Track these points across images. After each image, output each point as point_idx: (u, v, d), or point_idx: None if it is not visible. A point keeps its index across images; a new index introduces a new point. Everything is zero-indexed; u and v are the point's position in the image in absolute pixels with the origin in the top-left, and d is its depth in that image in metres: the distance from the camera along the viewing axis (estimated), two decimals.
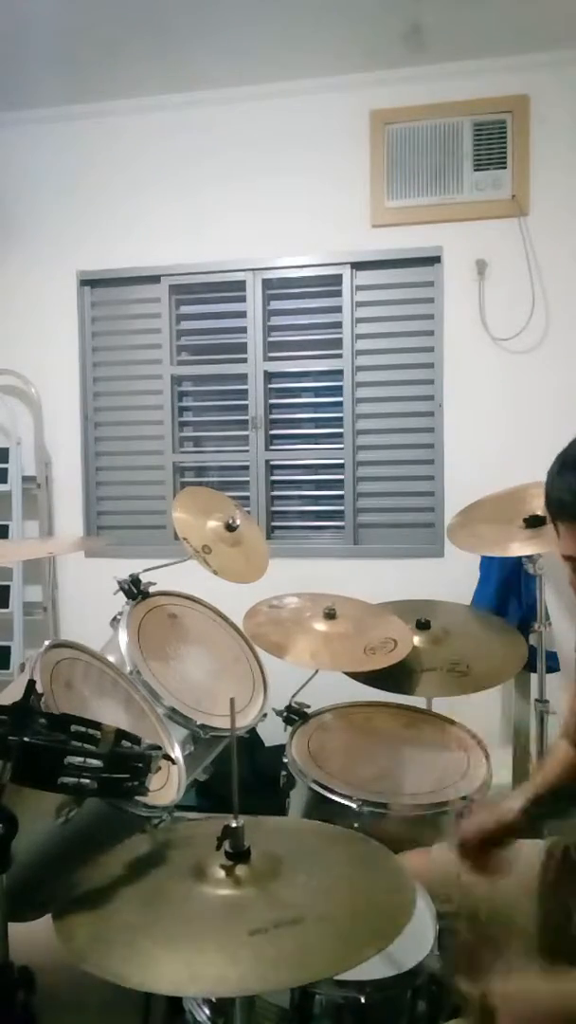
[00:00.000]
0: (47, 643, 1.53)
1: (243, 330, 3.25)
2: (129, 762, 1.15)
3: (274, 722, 2.01)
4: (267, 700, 2.00)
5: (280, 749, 1.94)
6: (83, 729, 1.13)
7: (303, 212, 3.13)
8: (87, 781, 1.07)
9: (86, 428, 3.40)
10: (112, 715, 1.53)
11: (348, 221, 3.09)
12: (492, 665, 2.18)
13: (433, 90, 2.98)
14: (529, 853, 1.38)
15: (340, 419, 3.18)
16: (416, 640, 2.17)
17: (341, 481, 3.20)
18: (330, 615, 2.12)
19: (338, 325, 3.16)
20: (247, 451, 3.27)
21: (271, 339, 3.25)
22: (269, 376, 3.25)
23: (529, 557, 2.35)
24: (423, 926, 1.29)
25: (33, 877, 1.18)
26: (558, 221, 2.94)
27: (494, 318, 2.99)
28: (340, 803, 1.69)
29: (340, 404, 3.17)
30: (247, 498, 3.24)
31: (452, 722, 2.06)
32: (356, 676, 2.08)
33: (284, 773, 1.87)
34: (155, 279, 3.29)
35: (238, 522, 2.20)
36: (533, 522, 2.21)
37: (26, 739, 1.04)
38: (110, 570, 2.02)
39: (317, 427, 3.27)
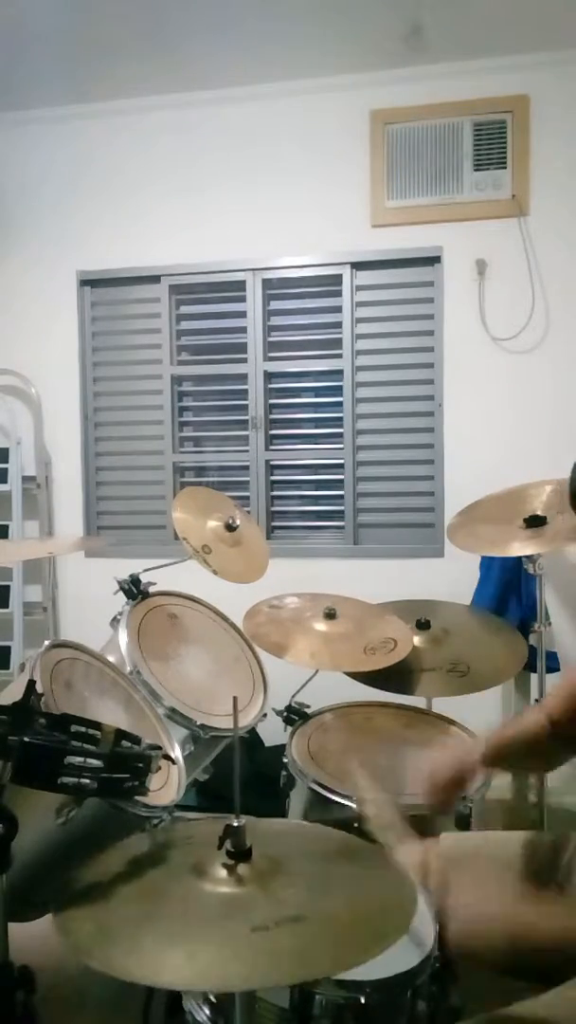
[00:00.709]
0: (47, 643, 1.53)
1: (243, 330, 3.25)
2: (129, 762, 1.15)
3: (274, 722, 2.01)
4: (267, 700, 2.01)
5: (280, 749, 1.94)
6: (83, 729, 1.13)
7: (303, 212, 3.13)
8: (87, 781, 1.08)
9: (86, 428, 3.40)
10: (112, 715, 1.54)
11: (348, 221, 3.09)
12: (492, 665, 2.18)
13: (433, 90, 2.99)
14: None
15: (340, 419, 3.18)
16: (416, 640, 2.17)
17: (341, 481, 3.20)
18: (330, 615, 2.12)
19: (338, 325, 3.16)
20: (247, 451, 3.27)
21: (271, 339, 3.25)
22: (269, 376, 3.25)
23: (529, 557, 2.35)
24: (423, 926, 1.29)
25: (33, 877, 1.18)
26: (558, 221, 2.94)
27: (494, 318, 2.99)
28: (340, 803, 1.69)
29: (340, 404, 3.18)
30: (247, 498, 3.24)
31: (452, 722, 2.06)
32: (356, 676, 2.08)
33: (284, 773, 1.87)
34: (155, 279, 3.29)
35: (238, 522, 2.20)
36: (533, 522, 2.21)
37: (26, 739, 1.05)
38: (110, 570, 2.02)
39: (317, 427, 3.27)
